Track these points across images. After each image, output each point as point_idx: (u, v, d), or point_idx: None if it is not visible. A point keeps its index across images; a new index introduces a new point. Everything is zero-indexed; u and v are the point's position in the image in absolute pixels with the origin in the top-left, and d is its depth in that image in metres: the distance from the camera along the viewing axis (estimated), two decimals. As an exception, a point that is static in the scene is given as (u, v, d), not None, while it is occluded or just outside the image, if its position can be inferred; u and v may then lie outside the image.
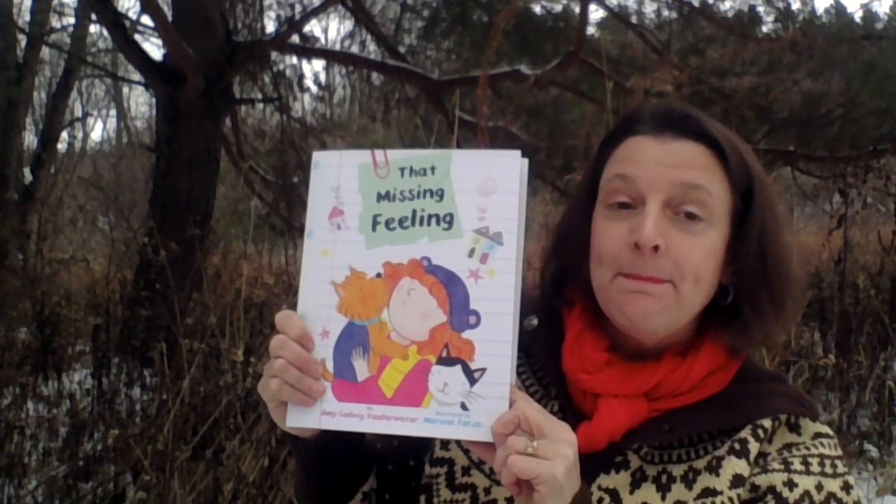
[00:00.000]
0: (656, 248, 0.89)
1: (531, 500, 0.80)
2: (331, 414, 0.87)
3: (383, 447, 1.06)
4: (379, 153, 0.91)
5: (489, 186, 0.87)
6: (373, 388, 0.87)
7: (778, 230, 0.96)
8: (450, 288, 0.86)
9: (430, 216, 0.88)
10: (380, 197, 0.90)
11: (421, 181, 0.89)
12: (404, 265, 0.88)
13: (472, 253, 0.86)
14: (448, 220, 0.87)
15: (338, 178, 0.91)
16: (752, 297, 0.94)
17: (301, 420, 0.88)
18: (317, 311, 0.89)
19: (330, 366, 0.88)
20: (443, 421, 0.85)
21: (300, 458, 0.99)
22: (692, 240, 0.91)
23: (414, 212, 0.88)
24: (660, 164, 0.92)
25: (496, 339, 0.85)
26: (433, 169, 0.89)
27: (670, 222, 0.91)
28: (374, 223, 0.89)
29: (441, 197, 0.88)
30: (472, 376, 0.84)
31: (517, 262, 0.85)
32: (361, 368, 0.88)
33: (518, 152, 0.87)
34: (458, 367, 0.85)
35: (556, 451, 0.80)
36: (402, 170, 0.90)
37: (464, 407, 0.84)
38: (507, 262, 0.85)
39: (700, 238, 0.91)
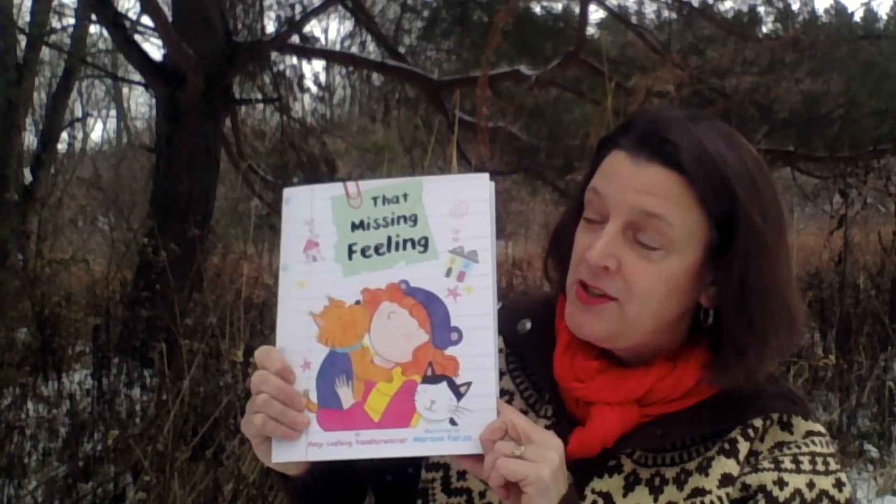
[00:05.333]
0: (606, 268, 0.91)
1: (519, 502, 0.82)
2: (318, 445, 0.88)
3: (380, 460, 1.06)
4: (351, 185, 0.93)
5: (461, 209, 0.90)
6: (359, 413, 0.88)
7: (767, 265, 0.91)
8: (430, 308, 0.88)
9: (405, 241, 0.90)
10: (354, 226, 0.92)
11: (394, 208, 0.91)
12: (383, 290, 0.90)
13: (448, 272, 0.89)
14: (423, 244, 0.90)
15: (310, 211, 0.93)
16: (733, 335, 0.92)
17: (287, 454, 0.88)
18: (296, 343, 0.90)
19: (313, 397, 0.89)
20: (433, 438, 0.86)
21: (291, 499, 0.99)
22: (646, 264, 0.91)
23: (389, 238, 0.91)
24: (627, 186, 0.92)
25: (479, 352, 0.87)
26: (405, 196, 0.91)
27: (627, 244, 0.91)
28: (350, 252, 0.91)
29: (415, 222, 0.91)
30: (458, 391, 0.86)
31: (493, 278, 0.88)
32: (346, 396, 0.88)
33: (486, 175, 0.91)
34: (444, 384, 0.87)
35: (542, 455, 0.83)
36: (375, 199, 0.92)
37: (452, 422, 0.86)
38: (484, 278, 0.88)
39: (656, 264, 0.91)
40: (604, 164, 0.96)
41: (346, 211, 0.92)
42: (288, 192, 0.94)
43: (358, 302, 0.90)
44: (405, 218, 0.91)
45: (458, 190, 0.91)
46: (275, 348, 0.90)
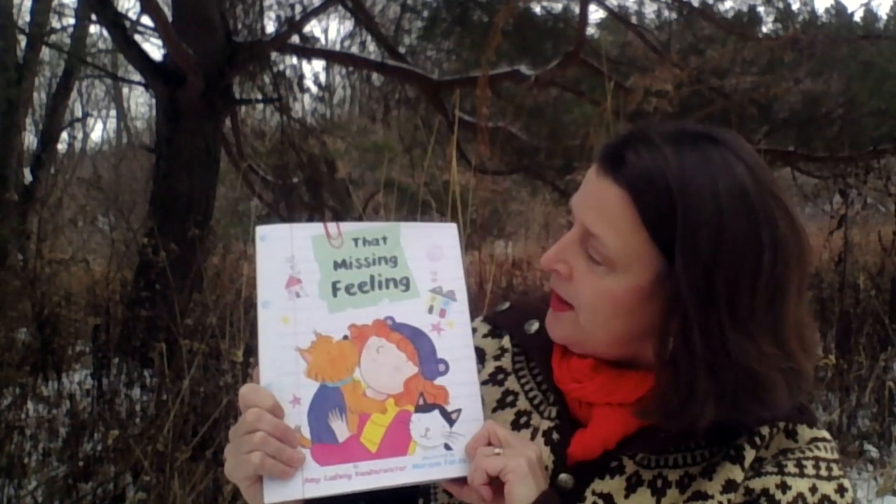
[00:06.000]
0: (557, 272, 0.95)
1: (502, 496, 0.86)
2: (315, 480, 0.87)
3: None
4: (331, 225, 0.97)
5: (437, 253, 0.98)
6: (356, 445, 0.89)
7: (711, 307, 0.84)
8: (416, 342, 0.94)
9: (387, 280, 0.96)
10: (336, 265, 0.95)
11: (374, 250, 0.97)
12: (370, 325, 0.94)
13: (431, 310, 0.96)
14: (405, 283, 0.96)
15: (291, 249, 0.95)
16: (669, 376, 0.88)
17: (281, 493, 0.86)
18: (284, 378, 0.89)
19: (306, 432, 0.88)
20: (430, 464, 0.90)
21: None
22: (591, 277, 0.91)
23: (372, 277, 0.96)
24: (583, 198, 0.93)
25: (465, 381, 0.94)
26: (385, 239, 0.97)
27: (582, 254, 0.93)
28: (335, 289, 0.94)
29: (395, 263, 0.97)
30: (449, 418, 0.92)
31: (468, 314, 0.97)
32: (341, 429, 0.89)
33: (455, 224, 1.00)
34: (437, 412, 0.92)
35: (520, 452, 0.87)
36: (356, 240, 0.97)
37: (447, 447, 0.91)
38: (463, 315, 0.96)
39: (599, 278, 0.91)
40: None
41: (328, 250, 0.95)
42: (262, 231, 0.95)
43: (346, 337, 0.92)
44: (385, 259, 0.96)
45: (432, 236, 0.98)
46: (260, 386, 0.88)
